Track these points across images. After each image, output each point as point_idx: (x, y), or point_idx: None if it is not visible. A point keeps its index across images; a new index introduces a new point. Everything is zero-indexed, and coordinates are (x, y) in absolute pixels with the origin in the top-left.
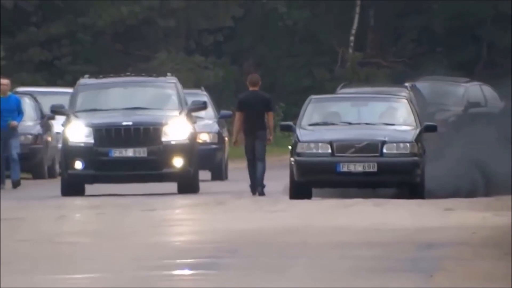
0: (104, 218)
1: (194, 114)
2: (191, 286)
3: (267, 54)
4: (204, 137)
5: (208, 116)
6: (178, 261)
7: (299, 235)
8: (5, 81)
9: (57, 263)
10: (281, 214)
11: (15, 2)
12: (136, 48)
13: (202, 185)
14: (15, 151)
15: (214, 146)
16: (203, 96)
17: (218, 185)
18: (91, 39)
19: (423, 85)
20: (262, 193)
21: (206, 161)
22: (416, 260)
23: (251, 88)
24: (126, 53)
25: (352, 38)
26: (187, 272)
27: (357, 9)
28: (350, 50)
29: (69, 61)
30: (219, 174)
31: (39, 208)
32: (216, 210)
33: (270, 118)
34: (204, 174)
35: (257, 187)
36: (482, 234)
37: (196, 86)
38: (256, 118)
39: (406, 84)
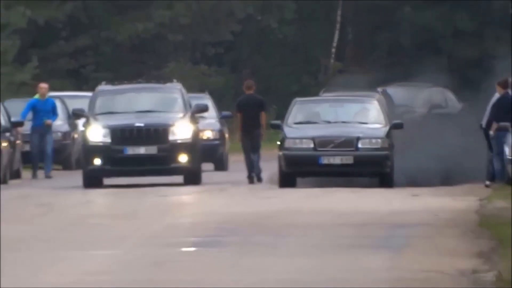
0: (124, 203)
1: (197, 115)
2: (195, 260)
3: (262, 64)
4: (208, 134)
5: (211, 116)
6: (185, 239)
7: (288, 217)
8: (44, 85)
9: (83, 241)
10: (273, 200)
11: (46, 19)
12: (150, 58)
13: (206, 175)
14: (49, 146)
15: (216, 141)
16: (207, 99)
17: (219, 175)
18: (112, 50)
19: (393, 90)
20: (260, 179)
21: (209, 155)
22: (386, 238)
23: (246, 92)
24: (141, 63)
25: (333, 50)
26: (191, 248)
27: (337, 26)
28: (332, 60)
29: (93, 69)
30: (220, 165)
31: (69, 194)
32: (218, 196)
33: (262, 117)
34: (208, 166)
35: (254, 175)
36: (443, 216)
37: (201, 90)
38: (252, 117)
39: (378, 89)
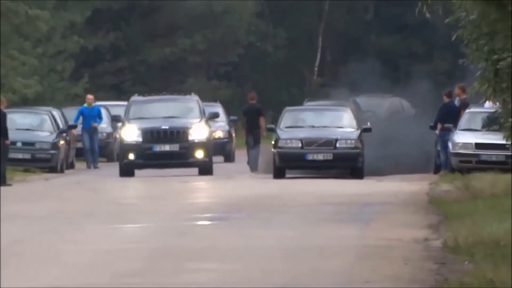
0: (152, 188)
1: (210, 120)
2: (210, 231)
3: (260, 79)
4: (219, 134)
5: (221, 120)
6: (201, 215)
7: (281, 198)
8: (90, 96)
9: (120, 216)
10: (269, 185)
11: (94, 46)
12: (174, 76)
13: (217, 166)
14: (96, 144)
15: (225, 140)
16: (218, 107)
17: (228, 166)
18: (144, 69)
19: (361, 99)
20: (255, 169)
21: (220, 150)
22: (357, 214)
23: (250, 101)
24: (167, 79)
25: (316, 68)
26: (207, 222)
27: (319, 49)
28: (315, 76)
29: (130, 84)
30: (228, 158)
31: (110, 181)
32: (227, 182)
33: (261, 121)
34: (219, 159)
35: (254, 166)
36: (401, 197)
37: (214, 100)
38: (253, 121)
39: (351, 99)
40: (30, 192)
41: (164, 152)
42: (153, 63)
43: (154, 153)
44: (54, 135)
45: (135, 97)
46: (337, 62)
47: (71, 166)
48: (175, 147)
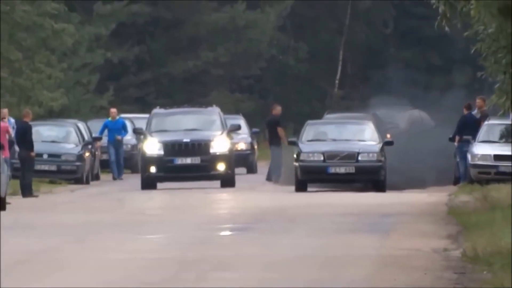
0: (175, 199)
1: (232, 132)
2: (232, 241)
3: (282, 92)
4: (241, 146)
5: (244, 132)
6: (224, 225)
7: (302, 209)
8: (113, 109)
9: (144, 226)
10: (290, 196)
11: (119, 59)
12: (197, 88)
13: (240, 177)
14: (121, 156)
15: (248, 151)
16: (240, 119)
17: (250, 177)
18: (168, 82)
19: (382, 111)
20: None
21: (243, 162)
22: (377, 224)
23: (273, 113)
24: (190, 92)
25: (336, 81)
26: (229, 232)
27: (340, 63)
28: (335, 89)
29: (154, 97)
30: (251, 169)
31: (134, 192)
32: (250, 193)
33: (279, 131)
34: (241, 170)
35: (277, 175)
36: (420, 208)
37: (236, 113)
38: (272, 132)
39: (371, 112)
40: (56, 203)
41: (186, 165)
42: (177, 76)
43: (176, 166)
44: (79, 147)
45: (156, 110)
46: (358, 75)
47: (96, 177)
48: (196, 160)
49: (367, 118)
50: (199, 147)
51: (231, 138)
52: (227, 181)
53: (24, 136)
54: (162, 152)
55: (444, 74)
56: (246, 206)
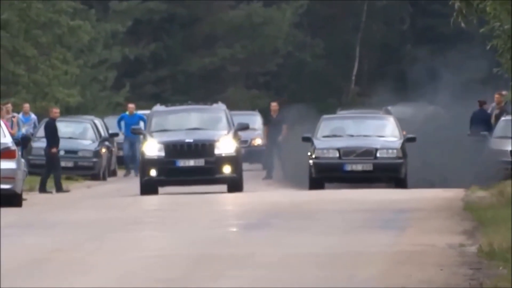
0: (187, 197)
1: (241, 131)
2: (245, 239)
3: (298, 88)
4: (258, 142)
5: (260, 128)
6: (237, 222)
7: (315, 205)
8: (131, 105)
9: (158, 223)
10: (303, 192)
11: (136, 55)
12: (214, 85)
13: (256, 173)
14: (137, 151)
15: (263, 147)
16: (257, 115)
17: (265, 172)
18: (185, 79)
19: (398, 108)
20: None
21: (259, 157)
22: (392, 220)
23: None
24: (207, 88)
25: (353, 78)
26: (243, 229)
27: (356, 60)
28: (352, 86)
29: (170, 93)
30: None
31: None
32: (266, 189)
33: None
34: (257, 166)
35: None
36: (435, 203)
37: (253, 109)
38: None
39: (383, 108)
40: (72, 200)
41: (189, 167)
42: (193, 73)
43: (178, 168)
44: (96, 143)
45: (157, 107)
46: (374, 71)
47: (113, 173)
48: (200, 162)
49: (389, 113)
50: (203, 148)
51: (239, 138)
52: (234, 185)
53: (49, 132)
54: (163, 154)
55: (461, 70)
56: (259, 202)
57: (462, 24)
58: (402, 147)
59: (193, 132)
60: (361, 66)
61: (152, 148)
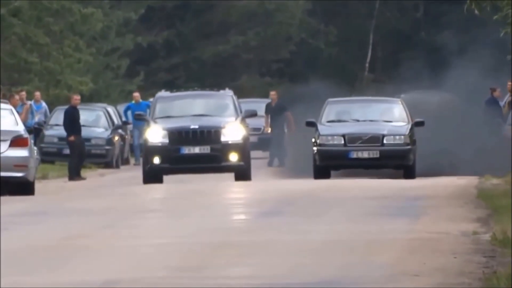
0: (202, 184)
1: (248, 118)
2: (259, 226)
3: (312, 75)
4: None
5: None
6: (252, 210)
7: (329, 192)
8: (136, 93)
9: (172, 210)
10: (316, 181)
11: (149, 43)
12: (227, 72)
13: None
14: None
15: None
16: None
17: (269, 160)
18: (198, 66)
19: (410, 95)
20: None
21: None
22: (405, 207)
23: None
24: (220, 76)
25: (366, 65)
26: (257, 217)
27: (370, 47)
28: (365, 73)
29: (183, 80)
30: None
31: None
32: (281, 177)
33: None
34: None
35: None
36: (449, 191)
37: (266, 96)
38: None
39: (395, 95)
40: (85, 187)
41: (193, 155)
42: (206, 60)
43: (182, 156)
44: (109, 131)
45: (161, 93)
46: (388, 58)
47: (126, 161)
48: (206, 149)
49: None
50: (209, 135)
51: (246, 125)
52: (241, 174)
53: (70, 120)
54: (166, 141)
55: (474, 57)
56: (272, 190)
57: (476, 11)
58: (411, 133)
59: (199, 118)
60: (374, 53)
61: (155, 134)
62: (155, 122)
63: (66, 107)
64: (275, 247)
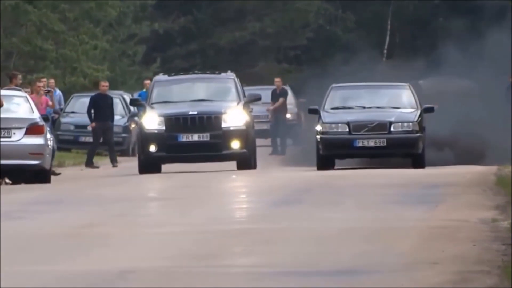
0: (206, 174)
1: (251, 103)
2: (275, 214)
3: (329, 62)
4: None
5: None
6: (267, 198)
7: (345, 180)
8: (147, 81)
9: (186, 198)
10: (328, 171)
11: (165, 30)
12: (244, 59)
13: (287, 148)
14: None
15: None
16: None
17: (297, 148)
18: (215, 53)
19: (428, 81)
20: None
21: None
22: (423, 195)
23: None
24: (237, 63)
25: (384, 51)
26: (273, 205)
27: (388, 33)
28: (383, 59)
29: (200, 68)
30: (297, 140)
31: (177, 165)
32: (297, 163)
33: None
34: (288, 141)
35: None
36: (467, 178)
37: (283, 84)
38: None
39: (419, 81)
40: (100, 175)
41: (192, 142)
42: (223, 47)
43: (180, 144)
44: (125, 119)
45: (159, 77)
46: (406, 44)
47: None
48: (205, 137)
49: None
50: (209, 121)
51: (249, 110)
52: (244, 163)
53: (100, 107)
54: (163, 128)
55: (494, 43)
56: (285, 178)
57: None
58: (419, 120)
59: (198, 103)
60: (392, 39)
61: (151, 121)
62: (152, 108)
63: (82, 94)
64: (292, 235)
